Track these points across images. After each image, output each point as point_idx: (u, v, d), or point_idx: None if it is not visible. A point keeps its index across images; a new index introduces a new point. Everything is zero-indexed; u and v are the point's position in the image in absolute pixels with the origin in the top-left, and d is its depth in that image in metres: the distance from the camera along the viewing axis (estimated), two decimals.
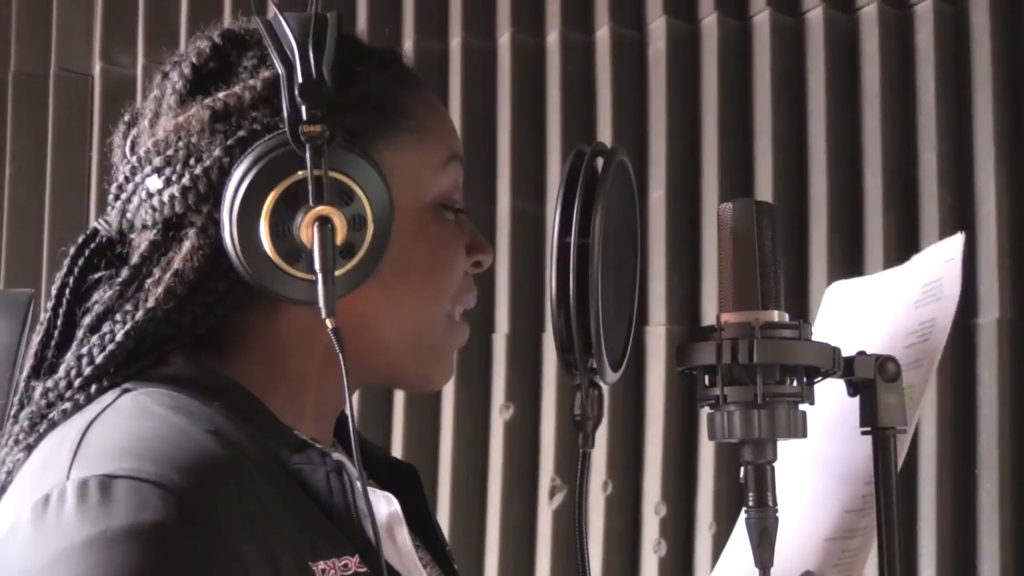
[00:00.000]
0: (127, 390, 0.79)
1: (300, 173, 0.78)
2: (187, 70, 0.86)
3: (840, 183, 1.93)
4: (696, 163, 2.06)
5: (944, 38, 1.88)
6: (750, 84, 2.03)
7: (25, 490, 0.74)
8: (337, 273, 0.78)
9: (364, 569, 0.78)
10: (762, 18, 2.02)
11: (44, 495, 0.70)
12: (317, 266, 0.77)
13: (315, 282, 0.77)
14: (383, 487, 0.83)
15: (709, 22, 2.06)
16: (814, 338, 0.88)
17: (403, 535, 0.83)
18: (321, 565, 0.76)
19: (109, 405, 0.78)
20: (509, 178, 2.15)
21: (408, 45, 2.21)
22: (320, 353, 0.85)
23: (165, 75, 0.88)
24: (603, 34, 2.14)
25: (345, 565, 0.78)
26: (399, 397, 2.16)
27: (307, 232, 0.77)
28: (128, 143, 0.87)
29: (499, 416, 2.11)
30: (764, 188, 1.97)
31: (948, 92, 1.87)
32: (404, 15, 2.26)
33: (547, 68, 2.18)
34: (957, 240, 1.00)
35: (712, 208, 1.96)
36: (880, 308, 1.05)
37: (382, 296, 0.85)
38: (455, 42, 2.22)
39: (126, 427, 0.75)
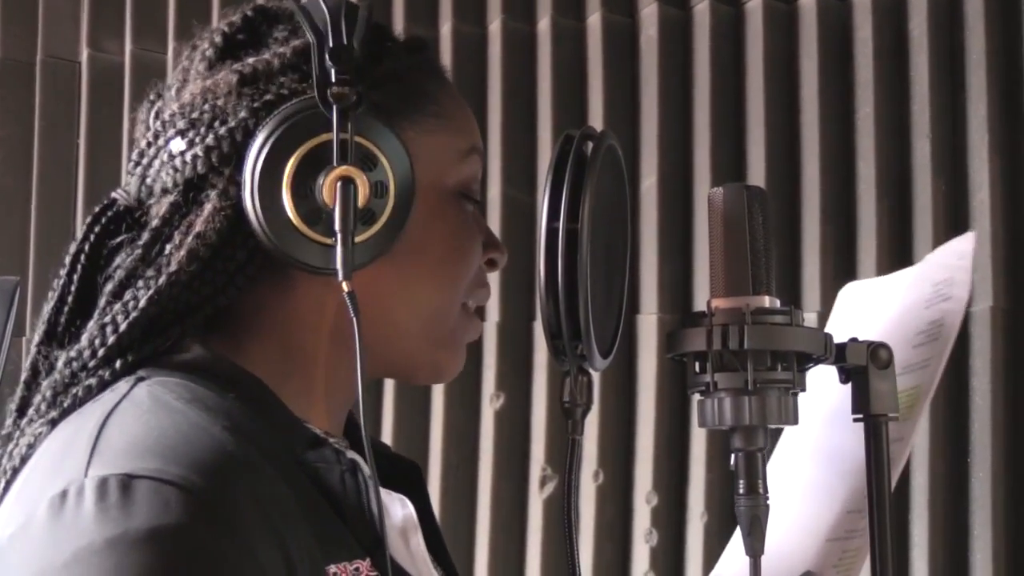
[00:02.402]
0: (141, 379, 0.78)
1: (325, 135, 0.78)
2: (218, 38, 0.86)
3: (833, 171, 1.93)
4: (688, 151, 2.05)
5: (938, 26, 1.87)
6: (743, 71, 2.02)
7: (40, 484, 0.72)
8: (357, 239, 0.78)
9: (375, 573, 0.77)
10: (755, 4, 2.01)
11: (61, 491, 0.69)
12: (337, 225, 0.76)
13: (333, 247, 0.77)
14: (388, 486, 0.83)
15: (702, 8, 2.05)
16: None
17: (417, 539, 0.82)
18: (333, 569, 0.75)
19: (125, 395, 0.77)
20: (500, 166, 2.14)
21: (398, 32, 2.20)
22: (329, 331, 0.84)
23: (194, 47, 0.88)
24: (595, 20, 2.13)
25: (356, 569, 0.77)
26: (389, 385, 2.15)
27: (329, 192, 0.77)
28: (152, 114, 0.86)
29: (489, 405, 2.10)
30: (757, 176, 1.96)
31: (942, 80, 1.86)
32: (394, 1, 2.25)
33: (538, 55, 2.16)
34: (969, 239, 0.99)
35: (704, 196, 1.95)
36: (891, 308, 1.04)
37: (397, 279, 0.85)
38: (446, 28, 2.21)
39: (145, 422, 0.74)
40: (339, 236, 0.77)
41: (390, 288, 0.85)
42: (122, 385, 0.78)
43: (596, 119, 2.08)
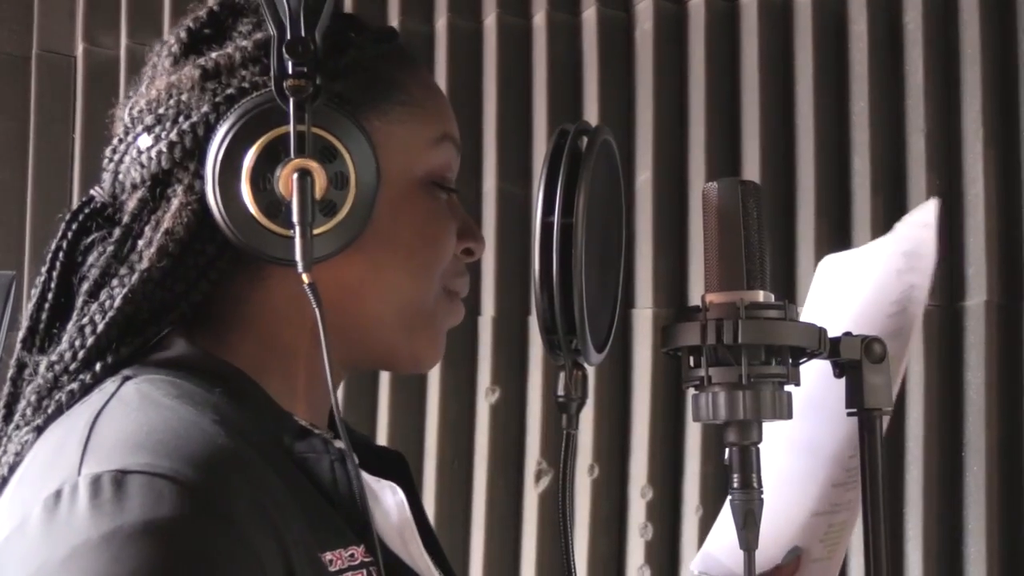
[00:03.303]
0: (128, 377, 0.79)
1: (283, 128, 0.78)
2: (183, 33, 0.87)
3: (828, 165, 1.93)
4: (683, 145, 2.05)
5: (933, 20, 1.87)
6: (738, 66, 2.02)
7: (33, 486, 0.72)
8: (317, 231, 0.78)
9: (370, 559, 0.78)
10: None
11: (55, 491, 0.69)
12: (295, 217, 0.77)
13: (293, 239, 0.77)
14: (376, 476, 0.83)
15: (697, 3, 2.05)
16: (805, 313, 0.87)
17: (410, 526, 0.82)
18: (328, 556, 0.76)
19: (113, 395, 0.77)
20: (495, 160, 2.14)
21: (393, 26, 2.19)
22: (309, 325, 0.85)
23: (163, 43, 0.89)
24: (590, 15, 2.13)
25: (352, 555, 0.77)
26: (384, 380, 2.15)
27: (286, 184, 0.78)
28: (127, 111, 0.87)
29: (485, 399, 2.10)
30: (751, 170, 1.96)
31: (937, 74, 1.86)
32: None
33: (533, 49, 2.16)
34: (931, 205, 1.00)
35: (699, 190, 1.95)
36: (866, 279, 1.05)
37: (368, 267, 0.85)
38: (441, 23, 2.21)
39: (135, 419, 0.74)
40: (297, 228, 0.77)
41: (361, 276, 0.85)
42: (109, 385, 0.78)
43: (591, 113, 2.08)
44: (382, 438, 2.12)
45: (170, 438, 0.72)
